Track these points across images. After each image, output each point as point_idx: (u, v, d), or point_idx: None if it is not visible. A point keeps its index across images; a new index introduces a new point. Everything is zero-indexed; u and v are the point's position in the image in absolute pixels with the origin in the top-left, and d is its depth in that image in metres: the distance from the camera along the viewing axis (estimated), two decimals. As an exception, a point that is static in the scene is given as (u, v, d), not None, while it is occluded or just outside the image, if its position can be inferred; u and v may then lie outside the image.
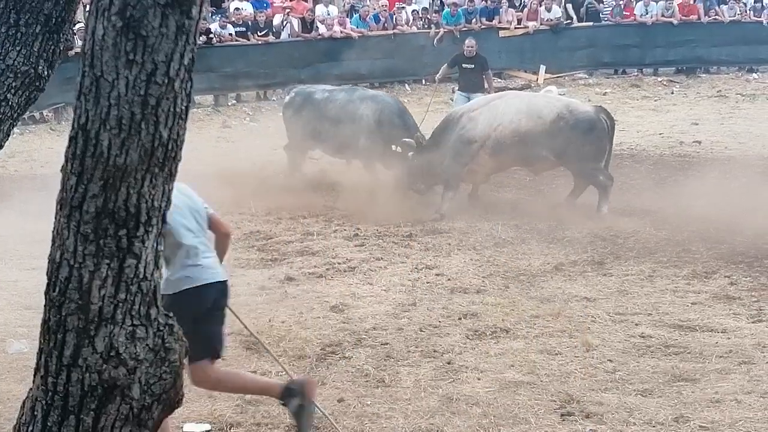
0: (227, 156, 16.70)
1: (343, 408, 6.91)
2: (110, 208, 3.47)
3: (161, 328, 3.66)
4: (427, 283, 9.92)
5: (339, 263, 10.67)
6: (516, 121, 12.84)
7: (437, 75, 18.29)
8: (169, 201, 3.60)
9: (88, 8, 3.70)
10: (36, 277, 10.12)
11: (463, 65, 17.84)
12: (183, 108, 3.52)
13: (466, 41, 18.51)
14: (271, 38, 23.38)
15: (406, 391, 7.16)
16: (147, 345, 3.64)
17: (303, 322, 8.72)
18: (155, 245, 3.59)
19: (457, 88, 18.55)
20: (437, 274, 10.20)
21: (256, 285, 9.92)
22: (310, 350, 7.99)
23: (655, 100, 23.73)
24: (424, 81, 24.25)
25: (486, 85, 17.71)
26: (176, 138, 3.53)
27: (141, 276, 3.55)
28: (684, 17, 25.96)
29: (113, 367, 3.58)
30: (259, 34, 23.35)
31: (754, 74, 26.17)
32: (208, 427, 6.66)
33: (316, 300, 9.37)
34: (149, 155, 3.46)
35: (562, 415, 6.69)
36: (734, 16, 26.14)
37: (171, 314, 3.72)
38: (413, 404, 6.91)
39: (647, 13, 25.93)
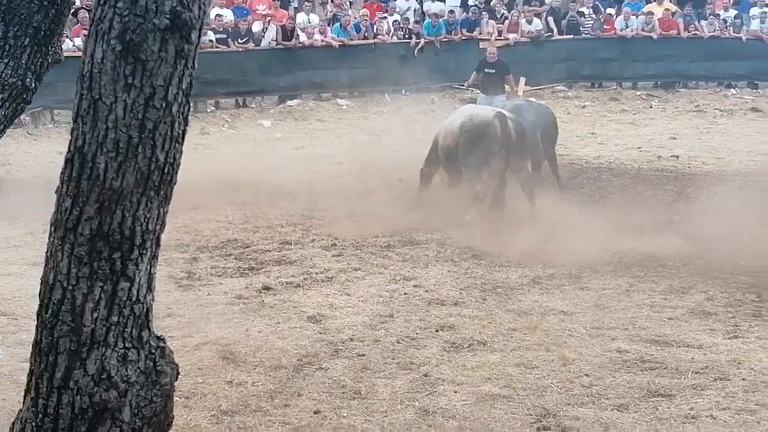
0: (204, 162, 16.65)
1: (319, 420, 6.90)
2: (105, 230, 3.46)
3: (153, 350, 3.65)
4: (405, 294, 9.91)
5: (316, 273, 10.64)
6: (441, 135, 13.31)
7: (468, 81, 19.67)
8: (163, 224, 3.59)
9: (86, 31, 3.69)
10: (12, 282, 10.10)
11: (486, 70, 18.89)
12: (180, 132, 3.52)
13: (488, 48, 19.84)
14: (251, 45, 23.33)
15: (382, 403, 7.15)
16: (138, 368, 3.62)
17: (280, 332, 8.71)
18: (149, 268, 3.58)
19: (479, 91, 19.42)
20: (415, 286, 10.19)
21: (233, 294, 9.90)
22: (287, 361, 7.97)
23: (634, 114, 23.79)
24: (404, 91, 24.24)
25: (507, 89, 18.91)
26: (172, 162, 3.53)
27: (134, 299, 3.54)
28: (664, 32, 26.05)
29: (104, 389, 3.56)
30: (240, 41, 23.30)
31: (732, 90, 26.28)
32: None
33: (293, 310, 9.35)
34: (145, 178, 3.45)
35: (538, 429, 6.71)
36: (713, 32, 26.22)
37: (162, 337, 3.70)
38: (390, 417, 6.90)
39: (627, 27, 26.01)
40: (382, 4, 26.25)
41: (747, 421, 6.76)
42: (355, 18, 25.09)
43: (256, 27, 23.67)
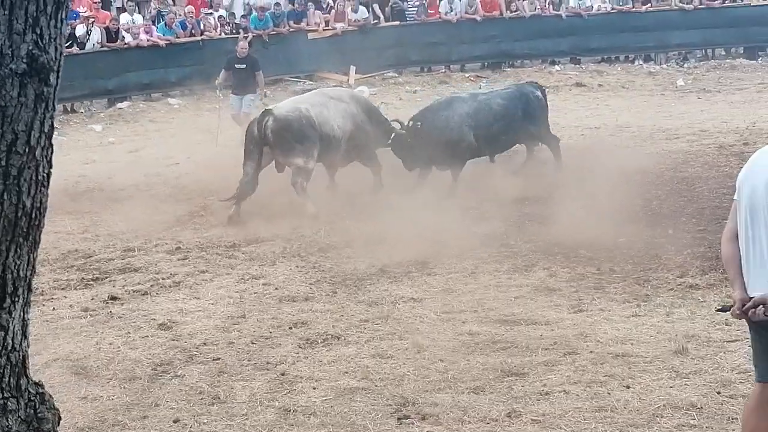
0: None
1: (179, 428, 6.83)
2: None
3: (32, 398, 3.57)
4: (255, 293, 9.87)
5: (163, 279, 10.49)
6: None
7: (218, 80, 19.04)
8: (34, 269, 3.50)
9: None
10: None
11: (236, 66, 18.78)
12: (45, 175, 3.45)
13: (240, 42, 19.54)
14: (75, 49, 22.81)
15: (242, 406, 7.12)
16: (19, 416, 3.53)
17: (131, 342, 8.56)
18: (22, 314, 3.49)
19: (230, 91, 19.15)
20: (264, 284, 10.16)
21: (79, 307, 9.66)
22: (141, 371, 7.85)
23: (464, 96, 24.19)
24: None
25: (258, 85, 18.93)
26: (39, 206, 3.45)
27: (9, 347, 3.46)
28: (487, 14, 26.61)
29: (-15, 441, 3.47)
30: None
31: (555, 66, 27.04)
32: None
33: (142, 318, 9.19)
34: (13, 226, 3.37)
35: (398, 419, 6.77)
36: (534, 11, 26.92)
37: (41, 383, 3.62)
38: (250, 419, 6.88)
39: (452, 11, 26.44)
40: (206, 0, 26.05)
41: (598, 392, 6.97)
42: (181, 15, 24.80)
43: (80, 30, 23.15)
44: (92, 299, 9.92)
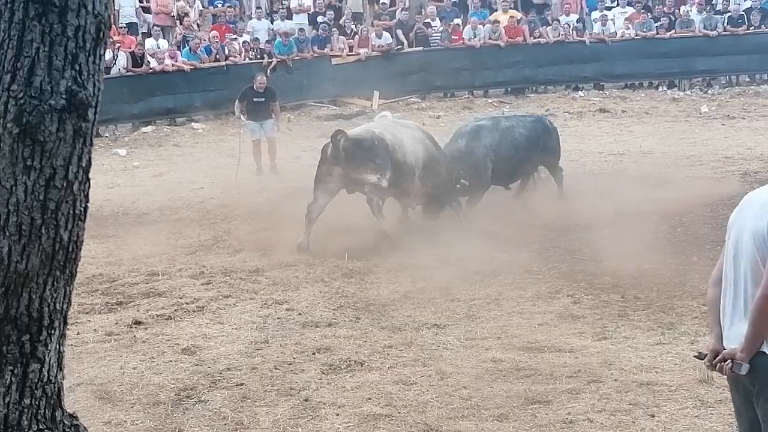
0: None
1: (202, 454, 6.83)
2: (12, 314, 3.39)
3: (67, 429, 3.59)
4: (278, 318, 9.87)
5: (187, 303, 10.50)
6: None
7: (237, 112, 19.25)
8: (70, 302, 3.53)
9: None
10: None
11: (254, 99, 18.92)
12: (82, 209, 3.48)
13: (257, 77, 19.48)
14: (101, 74, 22.97)
15: (265, 432, 7.12)
16: None
17: (155, 367, 8.57)
18: (58, 347, 3.52)
19: (246, 117, 19.17)
20: (287, 309, 10.16)
21: (103, 331, 9.68)
22: (165, 396, 7.85)
23: (487, 122, 24.18)
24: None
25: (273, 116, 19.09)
26: (76, 240, 3.48)
27: (45, 380, 3.48)
28: (510, 39, 26.64)
29: (21, 472, 3.48)
30: (89, 70, 22.93)
31: (579, 92, 27.01)
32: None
33: (166, 343, 9.21)
34: (50, 259, 3.40)
35: (422, 446, 6.76)
36: (558, 37, 26.94)
37: (75, 414, 3.64)
38: (274, 445, 6.88)
39: (475, 37, 26.49)
40: (231, 26, 26.18)
41: (623, 421, 6.94)
42: (205, 41, 24.93)
43: (106, 55, 23.28)
44: (116, 323, 9.94)
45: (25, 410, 3.47)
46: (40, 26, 3.27)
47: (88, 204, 3.55)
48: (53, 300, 3.44)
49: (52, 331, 3.48)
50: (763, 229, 4.61)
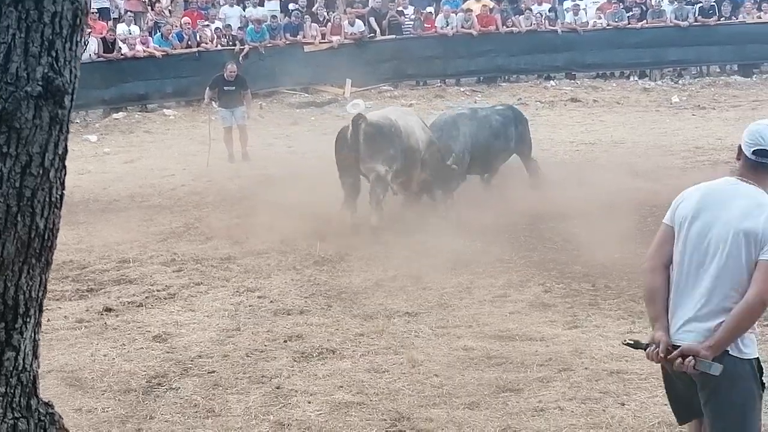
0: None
1: (174, 441, 6.82)
2: None
3: (42, 418, 3.58)
4: (250, 306, 9.86)
5: (158, 290, 10.46)
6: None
7: (206, 99, 19.28)
8: (45, 290, 3.52)
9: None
10: None
11: (225, 88, 18.87)
12: (58, 197, 3.47)
13: (228, 65, 19.39)
14: (71, 59, 22.83)
15: (237, 419, 7.11)
16: None
17: (126, 354, 8.54)
18: (33, 335, 3.51)
19: (218, 105, 19.21)
20: (259, 297, 10.15)
21: (74, 318, 9.64)
22: (136, 383, 7.83)
23: (459, 110, 24.22)
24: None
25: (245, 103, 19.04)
26: (52, 227, 3.47)
27: (20, 368, 3.47)
28: (483, 28, 26.67)
29: (-5, 461, 3.47)
30: (59, 55, 22.77)
31: (551, 81, 27.09)
32: None
33: (137, 330, 9.18)
34: (26, 247, 3.39)
35: (393, 433, 6.78)
36: (530, 26, 27.00)
37: (51, 402, 3.63)
38: (245, 433, 6.88)
39: (448, 25, 26.50)
40: (203, 12, 26.08)
41: (593, 409, 6.98)
42: (177, 27, 24.82)
43: (77, 40, 23.16)
44: (87, 310, 9.89)
45: (0, 399, 3.45)
46: (16, 12, 3.25)
47: (64, 192, 3.54)
48: (29, 288, 3.43)
49: (28, 319, 3.47)
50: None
